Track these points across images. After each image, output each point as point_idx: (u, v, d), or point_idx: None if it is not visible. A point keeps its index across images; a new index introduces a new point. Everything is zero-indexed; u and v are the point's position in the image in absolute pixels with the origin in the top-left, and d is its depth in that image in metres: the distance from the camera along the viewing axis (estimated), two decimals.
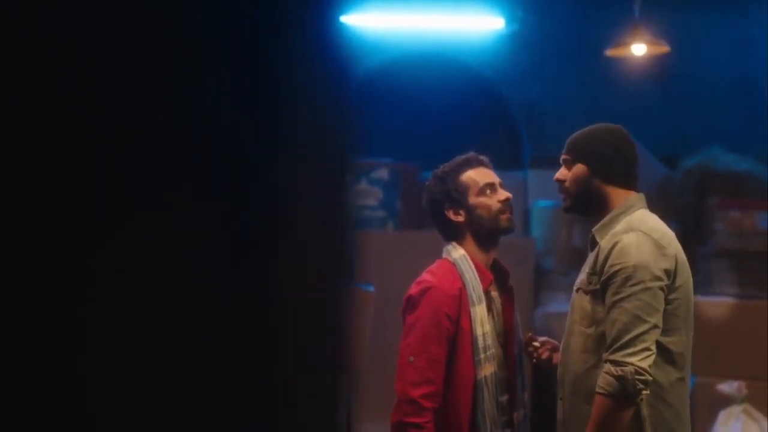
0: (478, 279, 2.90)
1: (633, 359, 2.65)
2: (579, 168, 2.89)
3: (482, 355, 2.85)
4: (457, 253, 2.94)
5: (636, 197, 2.88)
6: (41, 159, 0.95)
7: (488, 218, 2.97)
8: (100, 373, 0.96)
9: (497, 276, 3.01)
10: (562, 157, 2.94)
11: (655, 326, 2.69)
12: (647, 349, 2.67)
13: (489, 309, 2.92)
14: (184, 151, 1.00)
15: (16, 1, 0.95)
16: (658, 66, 6.29)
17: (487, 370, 2.86)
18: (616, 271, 2.72)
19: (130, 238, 0.97)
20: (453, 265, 2.92)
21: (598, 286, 2.76)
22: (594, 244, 2.86)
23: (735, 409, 5.15)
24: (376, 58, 6.71)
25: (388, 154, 6.31)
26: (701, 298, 5.06)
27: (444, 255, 2.98)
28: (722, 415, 5.16)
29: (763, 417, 5.15)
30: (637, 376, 2.65)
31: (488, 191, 2.98)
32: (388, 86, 6.70)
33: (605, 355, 2.71)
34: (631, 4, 5.71)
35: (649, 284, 2.69)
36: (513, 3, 6.74)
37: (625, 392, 2.65)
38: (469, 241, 2.97)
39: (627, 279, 2.70)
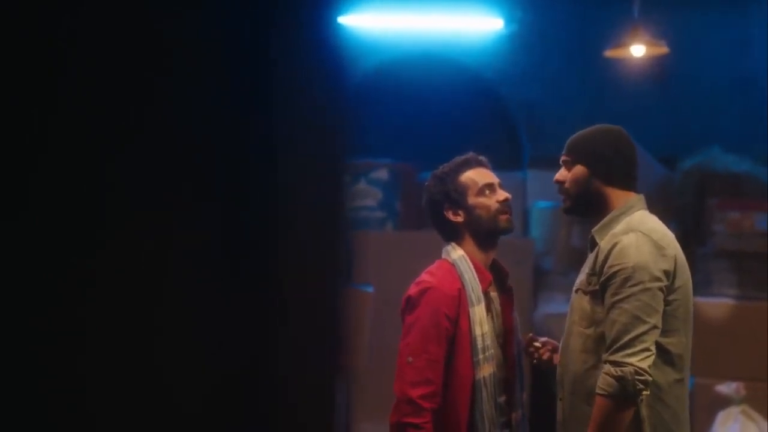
0: (477, 279, 2.90)
1: (633, 360, 2.65)
2: (579, 169, 2.89)
3: (481, 356, 2.85)
4: (456, 253, 2.94)
5: (636, 198, 2.89)
6: (41, 159, 0.95)
7: (487, 219, 2.97)
8: (100, 373, 0.96)
9: (496, 276, 3.01)
10: (562, 158, 2.94)
11: (655, 327, 2.69)
12: (647, 349, 2.67)
13: (488, 309, 2.92)
14: (184, 151, 1.00)
15: (16, 1, 0.95)
16: (657, 66, 6.29)
17: (486, 370, 2.86)
18: (616, 272, 2.72)
19: (130, 238, 0.97)
20: (452, 265, 2.92)
21: (597, 287, 2.76)
22: (593, 244, 2.86)
23: (733, 411, 5.15)
24: (376, 59, 6.71)
25: (387, 154, 6.30)
26: (700, 299, 5.06)
27: (443, 255, 2.98)
28: (721, 416, 5.16)
29: (762, 418, 5.15)
30: (636, 377, 2.65)
31: (487, 192, 2.98)
32: (387, 86, 6.70)
33: (605, 356, 2.71)
34: (630, 4, 5.71)
35: (649, 285, 2.69)
36: (512, 3, 6.74)
37: (625, 393, 2.65)
38: (469, 242, 2.97)
39: (626, 280, 2.70)
